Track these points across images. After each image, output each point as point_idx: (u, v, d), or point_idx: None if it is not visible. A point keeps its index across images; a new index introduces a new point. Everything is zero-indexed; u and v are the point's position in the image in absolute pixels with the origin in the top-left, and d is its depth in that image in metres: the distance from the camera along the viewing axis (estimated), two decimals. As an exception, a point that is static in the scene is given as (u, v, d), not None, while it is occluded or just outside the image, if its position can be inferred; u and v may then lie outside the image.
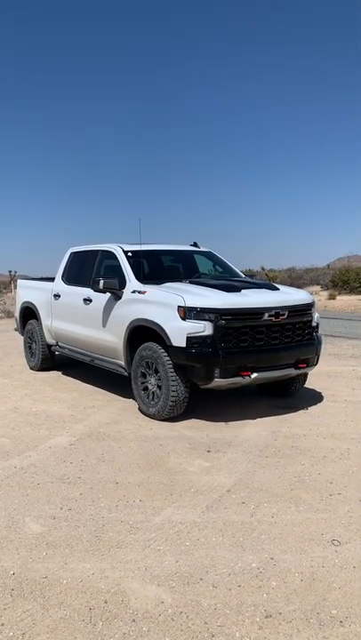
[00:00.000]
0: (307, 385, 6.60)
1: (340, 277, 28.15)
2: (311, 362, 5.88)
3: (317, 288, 28.61)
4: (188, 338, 5.19)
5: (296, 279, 31.37)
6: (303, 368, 5.77)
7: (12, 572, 2.86)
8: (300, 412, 5.90)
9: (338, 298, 24.82)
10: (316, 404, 6.25)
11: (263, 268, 35.20)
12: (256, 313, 5.35)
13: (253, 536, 3.21)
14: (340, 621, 2.43)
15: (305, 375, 6.32)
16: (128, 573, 2.84)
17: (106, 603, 2.59)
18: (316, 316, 6.03)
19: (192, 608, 2.54)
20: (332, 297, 24.67)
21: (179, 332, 5.24)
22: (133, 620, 2.46)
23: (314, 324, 5.96)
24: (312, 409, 6.02)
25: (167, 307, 5.41)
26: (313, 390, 6.80)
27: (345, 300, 23.85)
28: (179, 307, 5.29)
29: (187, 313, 5.25)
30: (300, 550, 3.05)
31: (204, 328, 5.19)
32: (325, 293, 26.13)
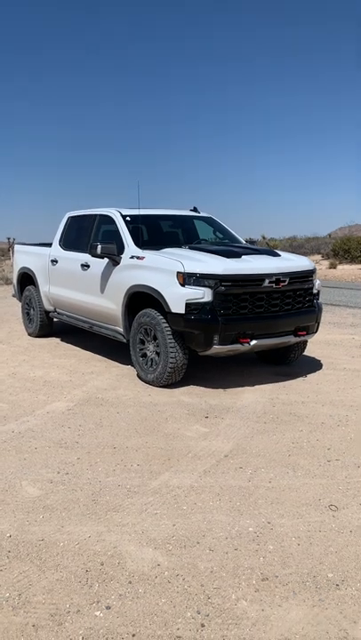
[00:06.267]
0: (306, 353, 6.57)
1: (342, 246, 27.92)
2: (311, 329, 5.83)
3: (318, 257, 28.40)
4: (187, 304, 5.11)
5: (297, 248, 31.10)
6: (303, 336, 5.71)
7: (8, 535, 2.86)
8: (299, 379, 5.88)
9: (339, 267, 24.68)
10: (315, 371, 6.22)
11: (264, 237, 34.84)
12: (256, 279, 5.26)
13: (250, 501, 3.21)
14: (337, 584, 2.44)
15: (304, 343, 6.27)
16: (125, 536, 2.84)
17: (102, 565, 2.59)
18: (317, 283, 5.94)
19: (188, 571, 2.54)
20: (332, 266, 24.52)
21: (177, 298, 5.16)
22: (130, 582, 2.46)
23: (315, 291, 5.88)
24: (311, 376, 6.00)
25: (166, 272, 5.32)
26: (312, 358, 6.77)
27: (346, 270, 23.71)
28: (178, 272, 5.19)
29: (186, 279, 5.16)
30: (298, 515, 3.05)
31: (203, 294, 5.11)
32: (326, 262, 25.96)
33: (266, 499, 3.23)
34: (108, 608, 2.29)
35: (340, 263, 26.11)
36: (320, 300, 6.07)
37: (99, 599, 2.35)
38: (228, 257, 5.45)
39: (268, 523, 2.96)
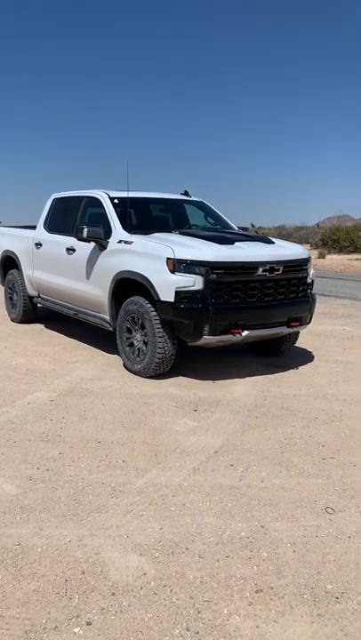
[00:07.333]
0: (297, 344, 6.39)
1: (331, 236, 27.88)
2: (304, 320, 5.64)
3: (307, 247, 28.26)
4: (176, 292, 4.89)
5: (286, 237, 30.92)
6: (296, 326, 5.53)
7: (-18, 539, 2.64)
8: (291, 371, 5.70)
9: (327, 257, 24.60)
10: (306, 363, 6.06)
11: (253, 225, 34.62)
12: (250, 267, 5.05)
13: (242, 502, 3.03)
14: (336, 597, 2.26)
15: (296, 334, 6.09)
16: (108, 541, 2.64)
17: (83, 574, 2.39)
18: (311, 272, 5.75)
19: (176, 581, 2.35)
20: (321, 256, 24.43)
21: (167, 285, 4.94)
22: (113, 594, 2.26)
23: (309, 280, 5.69)
24: (303, 369, 5.83)
25: (155, 258, 5.08)
26: (303, 349, 6.60)
27: (335, 259, 23.64)
28: (168, 259, 4.96)
29: (176, 265, 4.93)
30: (292, 518, 2.87)
31: (193, 282, 4.89)
32: (315, 252, 25.83)
33: (258, 500, 3.05)
34: (88, 624, 2.09)
35: (329, 253, 26.06)
36: (314, 290, 5.89)
37: (78, 613, 2.15)
38: (220, 243, 5.22)
39: (262, 527, 2.78)
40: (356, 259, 23.86)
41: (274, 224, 38.07)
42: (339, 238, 27.28)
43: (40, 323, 7.95)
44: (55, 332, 7.41)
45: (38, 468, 3.40)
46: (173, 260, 4.93)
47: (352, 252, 26.45)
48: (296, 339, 6.21)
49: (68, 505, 2.97)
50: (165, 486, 3.19)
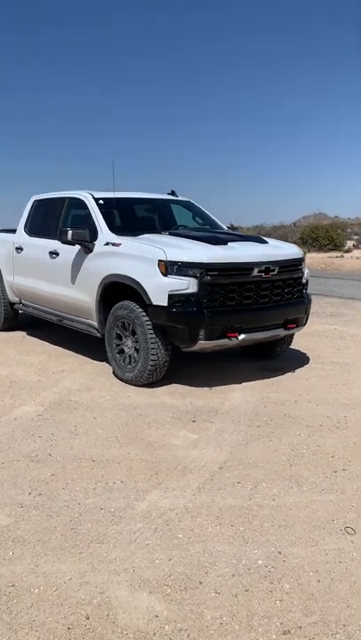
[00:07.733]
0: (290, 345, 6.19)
1: (310, 235, 27.93)
2: (301, 322, 5.45)
3: (288, 245, 28.24)
4: (169, 296, 4.64)
5: (266, 236, 30.90)
6: (293, 328, 5.33)
7: (-29, 581, 2.36)
8: (288, 375, 5.50)
9: (308, 255, 24.57)
10: (302, 366, 5.86)
11: (232, 225, 34.53)
12: (245, 268, 4.83)
13: (255, 524, 2.79)
14: (373, 636, 2.04)
15: (291, 336, 5.90)
16: (113, 577, 2.37)
17: (88, 619, 2.12)
18: (306, 272, 5.55)
19: (193, 623, 2.10)
20: (302, 254, 24.40)
21: (159, 289, 4.68)
22: (123, 643, 2.01)
23: (304, 280, 5.49)
24: (299, 372, 5.63)
25: (146, 261, 4.82)
26: (297, 351, 6.41)
27: (315, 258, 23.62)
28: (159, 261, 4.71)
29: (168, 268, 4.68)
30: (311, 541, 2.64)
31: (187, 285, 4.65)
32: (296, 250, 25.79)
33: (272, 521, 2.82)
34: None
35: (309, 251, 26.08)
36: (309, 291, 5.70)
37: (86, 669, 1.89)
38: (213, 244, 4.99)
39: (280, 553, 2.55)
40: (337, 256, 23.94)
41: (252, 223, 38.02)
42: (318, 236, 27.35)
43: (22, 330, 7.62)
44: (38, 340, 7.09)
45: (30, 493, 3.12)
46: (165, 262, 4.68)
47: (331, 249, 26.55)
48: (291, 341, 6.03)
49: (65, 535, 2.70)
50: (170, 509, 2.94)
